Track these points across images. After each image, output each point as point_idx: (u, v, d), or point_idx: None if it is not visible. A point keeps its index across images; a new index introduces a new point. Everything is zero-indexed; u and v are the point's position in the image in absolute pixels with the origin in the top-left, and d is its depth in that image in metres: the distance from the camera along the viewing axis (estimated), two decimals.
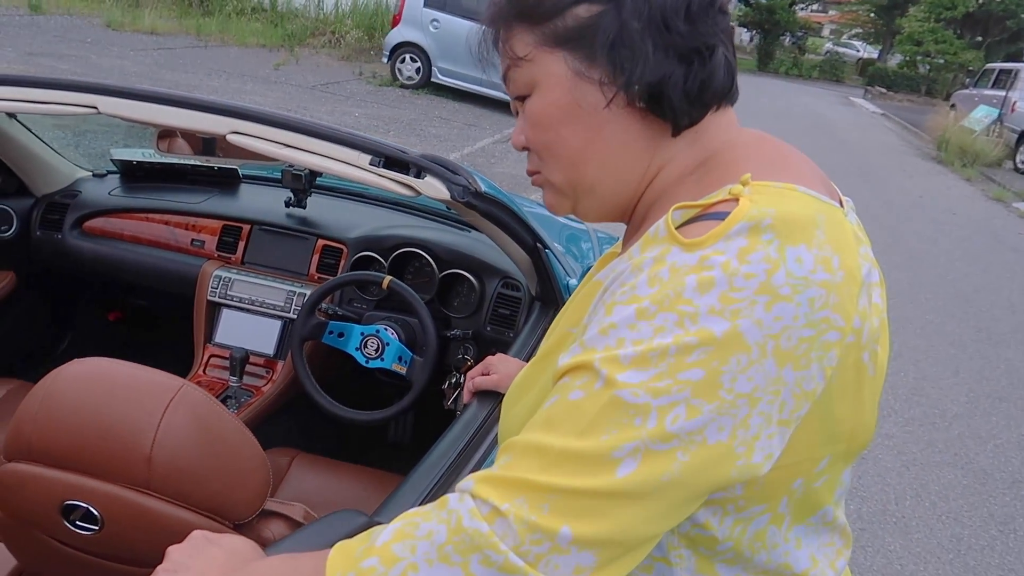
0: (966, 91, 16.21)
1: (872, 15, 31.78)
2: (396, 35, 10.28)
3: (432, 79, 10.21)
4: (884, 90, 24.60)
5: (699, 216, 0.62)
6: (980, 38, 24.97)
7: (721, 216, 0.59)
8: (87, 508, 0.88)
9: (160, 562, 0.70)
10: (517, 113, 0.74)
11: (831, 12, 42.76)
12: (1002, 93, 13.20)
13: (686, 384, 0.55)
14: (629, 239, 0.75)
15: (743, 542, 0.66)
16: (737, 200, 0.60)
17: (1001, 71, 14.18)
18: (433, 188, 1.33)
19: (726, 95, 0.68)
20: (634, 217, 0.73)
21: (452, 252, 1.95)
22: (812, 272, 0.57)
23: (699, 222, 0.61)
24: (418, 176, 1.34)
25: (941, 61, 25.03)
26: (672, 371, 0.55)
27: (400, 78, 10.40)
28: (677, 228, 0.61)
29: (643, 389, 0.55)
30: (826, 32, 44.10)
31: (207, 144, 2.13)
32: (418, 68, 10.30)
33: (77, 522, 0.90)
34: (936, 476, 3.06)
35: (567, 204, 0.75)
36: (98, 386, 0.90)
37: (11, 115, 1.87)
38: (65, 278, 2.24)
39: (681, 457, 0.56)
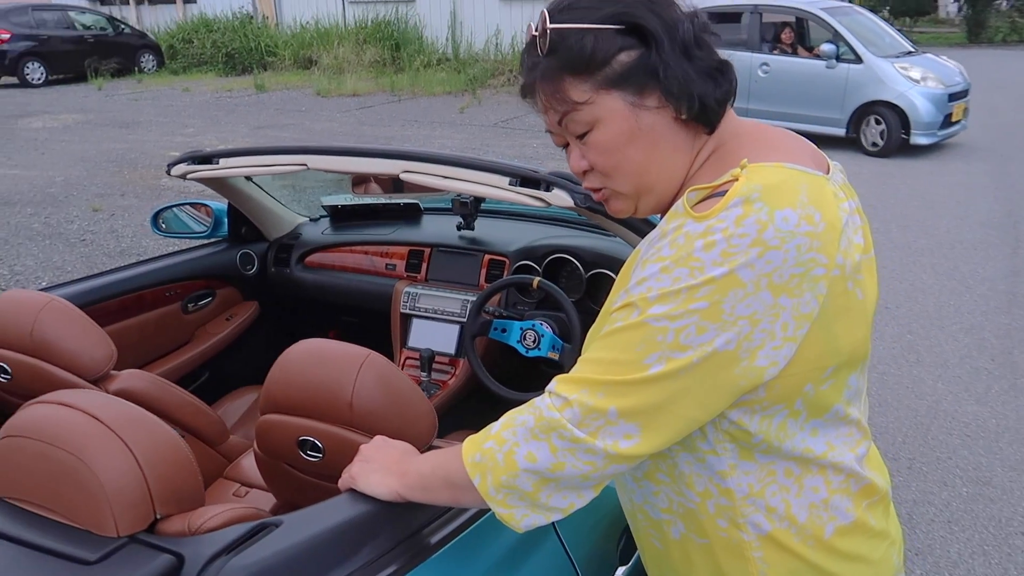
0: None
1: None
2: None
3: None
4: None
5: (709, 195, 0.84)
6: None
7: (723, 193, 0.82)
8: (314, 441, 1.26)
9: None
10: (566, 146, 0.93)
11: None
12: None
13: (695, 312, 0.78)
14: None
15: (771, 433, 0.87)
16: (736, 180, 0.82)
17: None
18: (560, 198, 1.63)
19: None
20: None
21: (597, 255, 2.22)
22: (797, 227, 0.78)
23: (709, 200, 0.84)
24: (547, 190, 1.65)
25: None
26: (685, 304, 0.79)
27: None
28: (693, 206, 0.84)
29: (664, 317, 0.79)
30: None
31: (396, 184, 2.60)
32: None
33: (308, 452, 1.28)
34: None
35: (631, 206, 0.94)
36: (315, 356, 1.28)
37: (248, 178, 2.42)
38: (294, 304, 2.78)
39: (695, 360, 0.79)
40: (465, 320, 2.35)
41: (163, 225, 2.60)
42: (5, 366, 1.59)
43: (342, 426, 1.24)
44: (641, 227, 1.73)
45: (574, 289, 2.22)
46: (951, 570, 2.39)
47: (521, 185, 1.68)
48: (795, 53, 9.10)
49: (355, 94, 13.07)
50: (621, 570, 1.27)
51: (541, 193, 1.66)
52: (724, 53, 0.91)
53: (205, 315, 2.54)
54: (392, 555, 0.98)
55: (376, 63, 15.13)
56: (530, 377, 2.39)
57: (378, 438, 1.06)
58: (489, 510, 1.10)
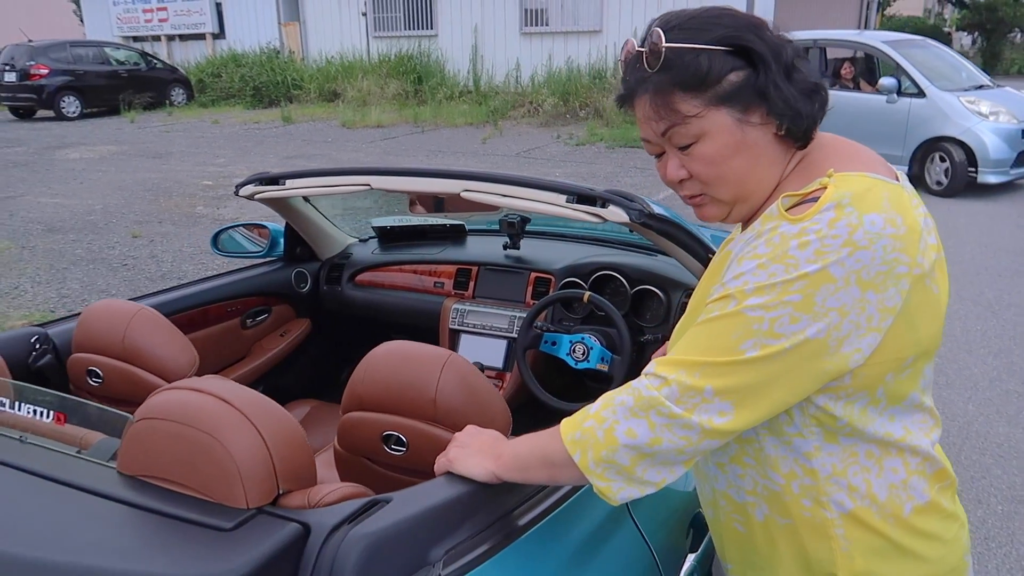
0: None
1: None
2: None
3: None
4: None
5: (800, 201, 0.93)
6: None
7: (815, 199, 0.91)
8: (398, 436, 1.36)
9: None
10: (659, 155, 1.00)
11: None
12: None
13: (789, 304, 0.87)
14: (751, 221, 1.04)
15: (854, 418, 0.95)
16: (826, 188, 0.91)
17: None
18: (615, 214, 1.72)
19: None
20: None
21: (641, 272, 2.32)
22: (883, 229, 0.87)
23: (801, 205, 0.92)
24: (603, 206, 1.74)
25: None
26: (780, 296, 0.87)
27: None
28: (786, 210, 0.92)
29: (760, 307, 0.88)
30: None
31: (437, 204, 2.73)
32: None
33: (392, 446, 1.37)
34: None
35: (725, 212, 1.01)
36: (399, 356, 1.38)
37: (306, 199, 2.54)
38: (344, 321, 2.88)
39: (788, 347, 0.87)
40: (512, 335, 2.44)
41: (221, 246, 2.72)
42: (98, 370, 1.70)
43: (426, 421, 1.34)
44: (692, 245, 1.82)
45: (619, 305, 2.31)
46: None
47: (578, 202, 1.77)
48: (857, 88, 8.83)
49: (379, 125, 13.32)
50: (691, 556, 1.35)
51: (597, 210, 1.75)
52: None
53: (261, 331, 2.65)
54: (487, 533, 1.07)
55: (399, 95, 15.43)
56: (573, 390, 2.48)
57: (470, 427, 1.16)
58: (571, 497, 1.19)
